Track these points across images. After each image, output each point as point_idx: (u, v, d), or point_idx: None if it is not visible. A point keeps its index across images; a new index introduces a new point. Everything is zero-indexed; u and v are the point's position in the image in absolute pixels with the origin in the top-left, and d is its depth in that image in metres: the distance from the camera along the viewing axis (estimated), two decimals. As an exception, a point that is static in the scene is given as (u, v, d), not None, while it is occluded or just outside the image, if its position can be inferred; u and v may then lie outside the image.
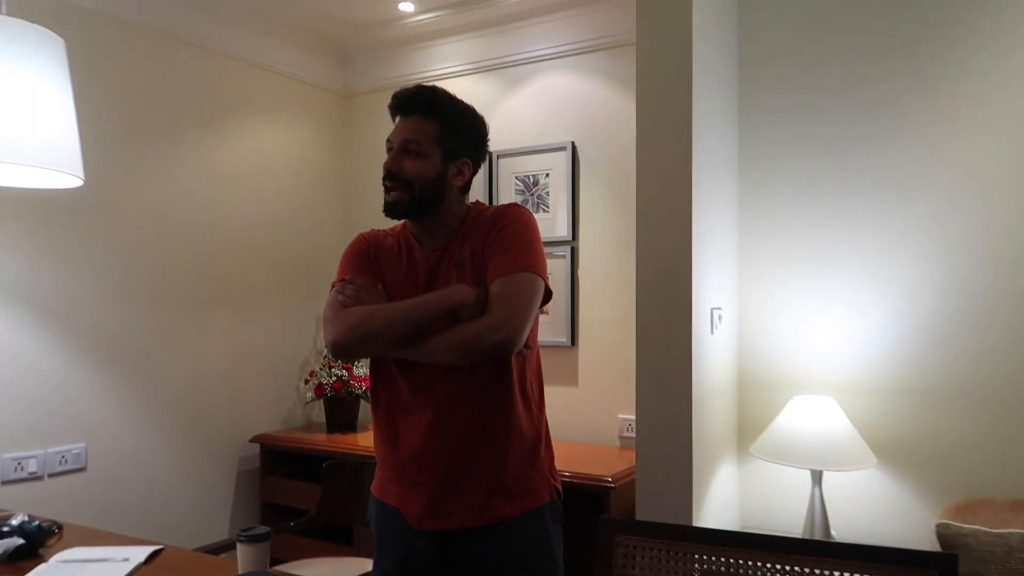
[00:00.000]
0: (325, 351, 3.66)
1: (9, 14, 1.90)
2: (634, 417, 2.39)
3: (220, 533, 3.29)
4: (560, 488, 1.66)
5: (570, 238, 3.24)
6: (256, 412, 3.47)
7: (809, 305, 2.58)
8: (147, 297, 3.01)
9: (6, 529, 1.76)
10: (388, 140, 1.60)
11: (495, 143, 1.93)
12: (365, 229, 1.74)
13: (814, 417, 2.35)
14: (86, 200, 2.78)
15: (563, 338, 3.23)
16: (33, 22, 1.92)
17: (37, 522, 1.82)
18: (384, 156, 1.60)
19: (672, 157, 2.29)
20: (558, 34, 3.28)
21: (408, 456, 1.56)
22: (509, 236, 1.54)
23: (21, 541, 1.74)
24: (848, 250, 2.52)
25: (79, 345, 2.78)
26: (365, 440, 3.21)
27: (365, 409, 3.51)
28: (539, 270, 1.53)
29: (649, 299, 2.33)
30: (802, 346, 2.59)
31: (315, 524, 2.66)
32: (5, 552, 1.70)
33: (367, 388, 3.38)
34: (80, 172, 1.98)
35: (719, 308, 2.49)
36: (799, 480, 2.52)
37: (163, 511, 3.06)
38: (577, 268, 3.23)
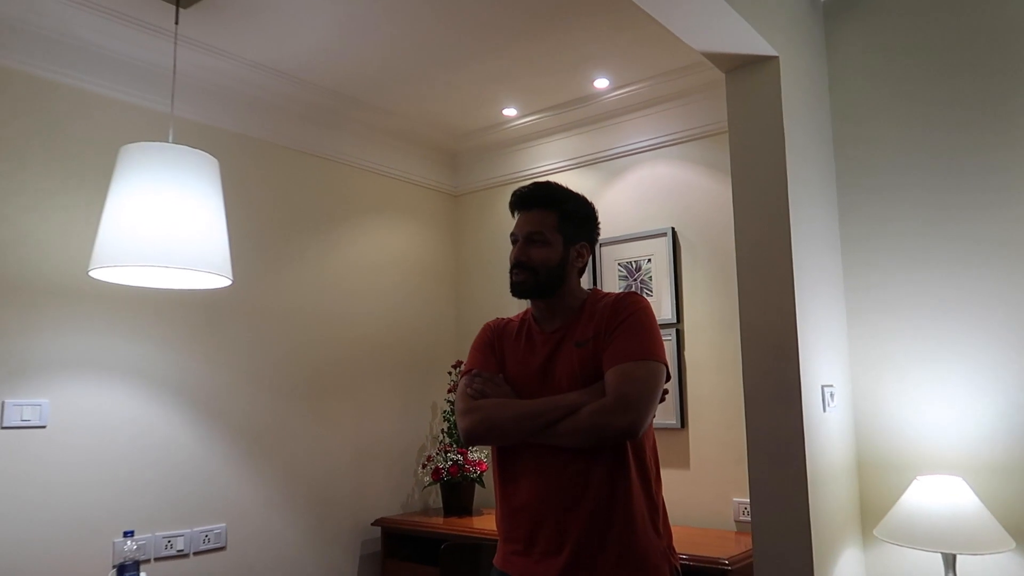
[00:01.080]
0: (441, 437, 3.80)
1: (175, 142, 2.23)
2: (748, 500, 2.37)
3: (344, 615, 3.40)
4: (679, 568, 1.68)
5: (675, 320, 3.29)
6: (377, 496, 3.61)
7: (927, 380, 2.50)
8: (281, 388, 3.26)
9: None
10: (512, 234, 1.77)
11: (597, 232, 2.07)
12: (475, 320, 1.90)
13: (942, 497, 2.25)
14: (229, 299, 3.08)
15: (673, 420, 3.24)
16: (194, 147, 2.25)
17: (187, 593, 1.99)
18: (500, 247, 1.76)
19: (770, 238, 2.34)
20: (653, 127, 3.44)
21: (535, 529, 1.63)
22: (634, 324, 1.64)
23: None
24: (964, 321, 2.44)
25: (222, 432, 3.03)
26: (480, 523, 3.27)
27: (480, 493, 3.59)
28: (662, 359, 1.63)
29: (756, 379, 2.34)
30: (922, 423, 2.50)
31: (434, 606, 2.73)
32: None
33: (482, 472, 3.47)
34: (230, 273, 2.25)
35: (830, 386, 2.46)
36: (930, 565, 2.39)
37: (293, 591, 3.21)
38: (683, 350, 3.27)
